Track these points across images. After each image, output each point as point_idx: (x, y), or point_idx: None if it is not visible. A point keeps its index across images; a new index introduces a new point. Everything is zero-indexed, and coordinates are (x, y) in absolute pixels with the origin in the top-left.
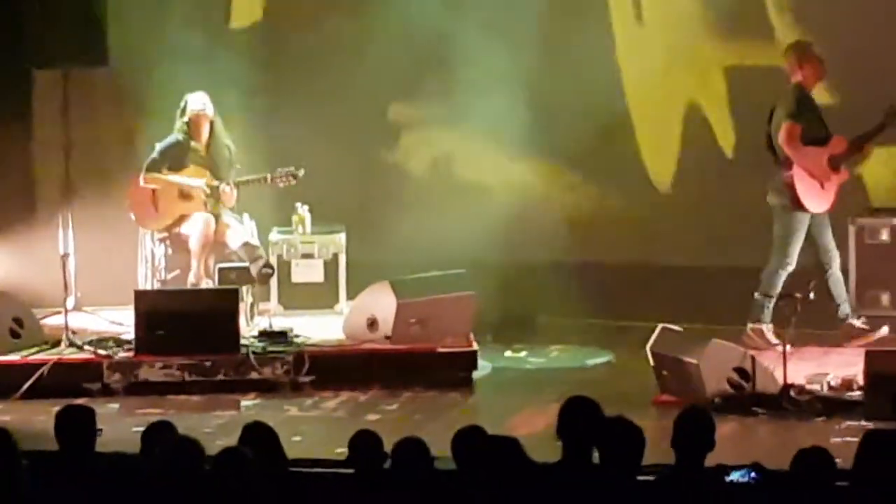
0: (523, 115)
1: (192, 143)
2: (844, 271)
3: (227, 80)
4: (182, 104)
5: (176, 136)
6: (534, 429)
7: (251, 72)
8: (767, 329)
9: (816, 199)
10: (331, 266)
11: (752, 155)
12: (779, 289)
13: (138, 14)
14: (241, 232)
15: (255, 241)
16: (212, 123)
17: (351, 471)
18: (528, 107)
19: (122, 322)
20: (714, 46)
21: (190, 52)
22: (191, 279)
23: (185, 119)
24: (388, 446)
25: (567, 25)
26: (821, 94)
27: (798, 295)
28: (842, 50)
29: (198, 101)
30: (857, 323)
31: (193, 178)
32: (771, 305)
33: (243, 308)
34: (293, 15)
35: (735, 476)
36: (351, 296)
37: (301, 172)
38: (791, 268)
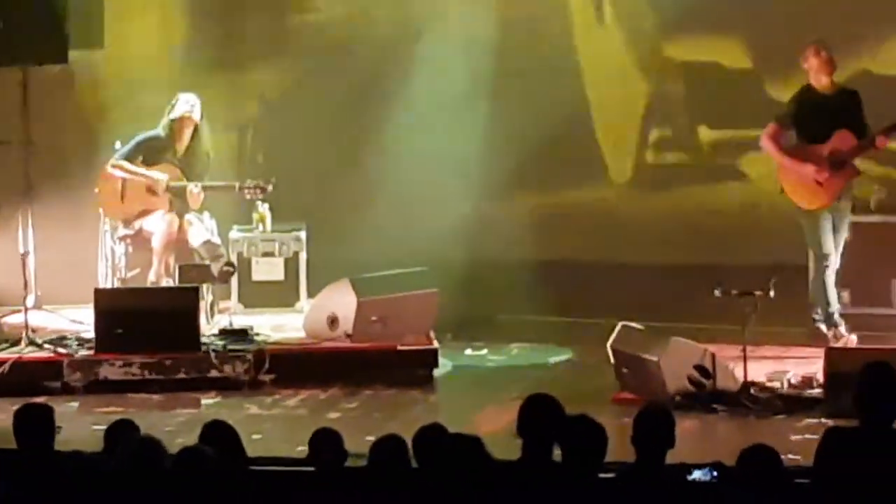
0: (484, 114)
1: (172, 143)
2: (804, 268)
3: (188, 78)
4: (173, 101)
5: (158, 131)
6: (495, 427)
7: (211, 69)
8: (838, 332)
9: (809, 196)
10: (291, 264)
11: (710, 153)
12: (828, 291)
13: (98, 11)
14: (202, 230)
15: (216, 240)
16: (196, 128)
17: (311, 469)
18: (489, 105)
19: (82, 320)
20: (673, 44)
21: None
22: (151, 277)
23: (171, 118)
24: (348, 444)
25: (528, 25)
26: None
27: (758, 292)
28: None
29: (186, 104)
30: (824, 328)
31: (158, 176)
32: (820, 312)
33: (203, 306)
34: (255, 15)
35: (697, 475)
36: (312, 294)
37: (270, 187)
38: (831, 266)
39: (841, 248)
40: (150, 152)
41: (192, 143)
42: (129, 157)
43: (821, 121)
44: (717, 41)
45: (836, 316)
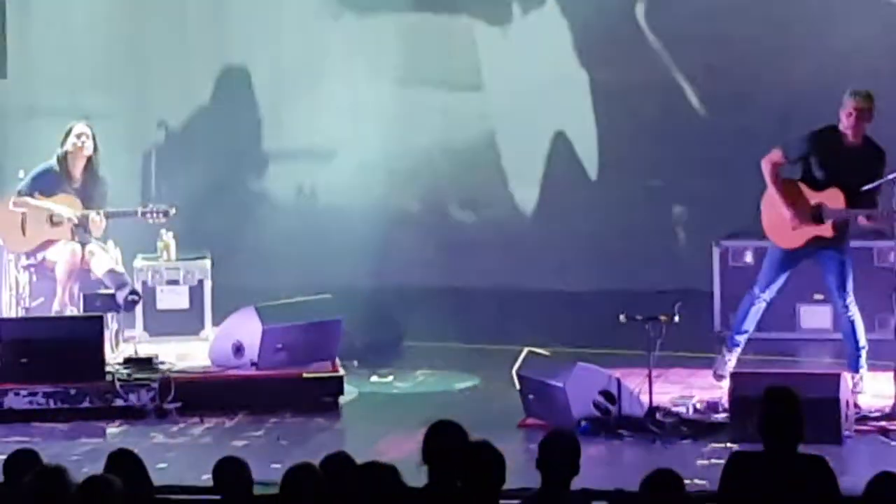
0: (390, 142)
1: (67, 173)
2: (709, 294)
3: (92, 106)
4: (66, 130)
5: (50, 164)
6: (400, 454)
7: (114, 96)
8: (728, 356)
9: (780, 233)
10: (196, 292)
11: (616, 176)
12: (743, 320)
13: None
14: (106, 259)
15: (121, 268)
16: (90, 158)
17: (217, 497)
18: (395, 133)
19: None
20: (581, 69)
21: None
22: (55, 307)
23: (63, 150)
24: (255, 472)
25: (433, 53)
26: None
27: (663, 317)
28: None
29: (76, 137)
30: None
31: (63, 206)
32: (732, 337)
33: (108, 335)
34: (159, 42)
35: None
36: (217, 322)
37: (173, 211)
38: (760, 301)
39: (846, 290)
40: (46, 185)
41: (88, 172)
42: (28, 192)
43: (828, 170)
44: (626, 64)
45: (735, 339)
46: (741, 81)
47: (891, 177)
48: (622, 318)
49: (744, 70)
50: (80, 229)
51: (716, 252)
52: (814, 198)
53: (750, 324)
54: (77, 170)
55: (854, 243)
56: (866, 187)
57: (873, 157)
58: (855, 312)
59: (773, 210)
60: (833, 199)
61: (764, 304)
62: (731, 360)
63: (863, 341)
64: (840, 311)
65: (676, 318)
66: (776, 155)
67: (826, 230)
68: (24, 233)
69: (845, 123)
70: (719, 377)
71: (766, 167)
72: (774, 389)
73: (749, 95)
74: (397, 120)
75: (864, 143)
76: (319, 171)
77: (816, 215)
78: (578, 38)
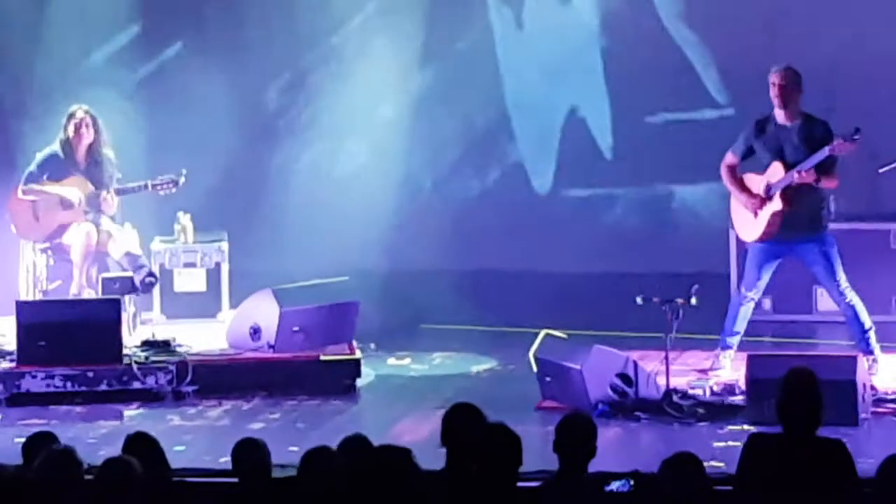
0: (405, 123)
1: (73, 156)
2: (726, 276)
3: (107, 84)
4: (67, 115)
5: (54, 149)
6: (418, 436)
7: (130, 77)
8: (721, 357)
9: (746, 227)
10: (213, 275)
11: (631, 157)
12: (734, 321)
13: (17, 19)
14: (123, 241)
15: (138, 251)
16: (92, 141)
17: (235, 480)
18: (409, 114)
19: (3, 333)
20: (596, 50)
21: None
22: (73, 289)
23: (66, 135)
24: (272, 455)
25: (449, 31)
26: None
27: (680, 300)
28: (734, 53)
29: (76, 120)
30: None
31: (70, 189)
32: (723, 339)
33: (126, 318)
34: (172, 16)
35: (614, 486)
36: (234, 304)
37: (182, 179)
38: (748, 301)
39: (836, 277)
40: (53, 169)
41: (92, 155)
42: (35, 178)
43: (770, 152)
44: (640, 46)
45: (727, 341)
46: (758, 61)
47: None
48: (639, 300)
49: (761, 48)
50: (93, 210)
51: (732, 234)
52: (761, 181)
53: (741, 325)
54: (81, 153)
55: (870, 226)
56: (882, 169)
57: (815, 129)
58: (853, 297)
59: (738, 209)
60: (774, 173)
61: (752, 304)
62: (725, 360)
63: (868, 322)
64: (838, 300)
65: (693, 301)
66: (728, 157)
67: (777, 204)
68: (37, 219)
69: (778, 105)
70: (714, 370)
71: (722, 171)
72: (794, 372)
73: (766, 74)
74: (413, 101)
75: (803, 119)
76: (336, 154)
77: (768, 194)
78: (593, 14)
